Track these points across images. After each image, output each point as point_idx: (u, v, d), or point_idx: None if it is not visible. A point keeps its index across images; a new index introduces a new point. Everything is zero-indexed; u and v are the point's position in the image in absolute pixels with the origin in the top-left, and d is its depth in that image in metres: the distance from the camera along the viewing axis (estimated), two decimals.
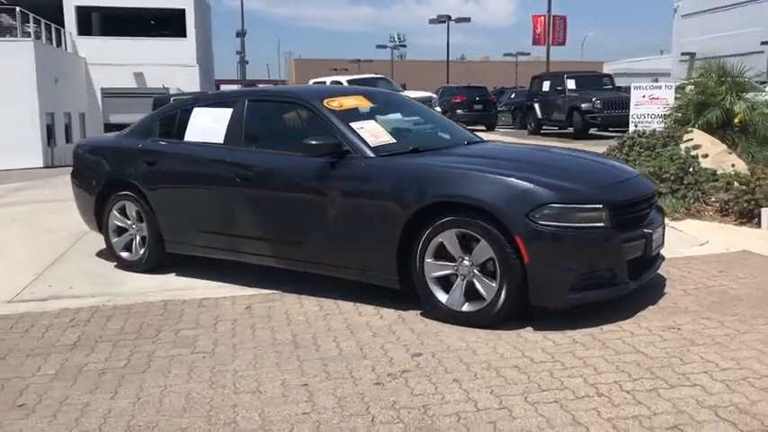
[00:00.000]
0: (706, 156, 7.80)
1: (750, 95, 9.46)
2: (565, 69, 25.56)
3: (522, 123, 22.32)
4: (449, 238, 4.14)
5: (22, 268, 6.06)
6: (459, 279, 4.18)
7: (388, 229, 4.31)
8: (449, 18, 38.11)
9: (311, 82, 19.87)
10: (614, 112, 17.80)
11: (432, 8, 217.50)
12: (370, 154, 4.53)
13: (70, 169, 6.50)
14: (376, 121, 4.89)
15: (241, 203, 4.98)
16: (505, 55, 59.36)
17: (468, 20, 40.01)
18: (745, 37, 41.98)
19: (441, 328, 4.12)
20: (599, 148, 9.37)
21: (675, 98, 10.27)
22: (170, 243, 5.48)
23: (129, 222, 5.72)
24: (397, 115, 5.28)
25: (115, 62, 33.74)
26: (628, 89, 20.04)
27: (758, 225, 6.51)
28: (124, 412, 3.16)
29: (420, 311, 4.41)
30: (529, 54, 55.79)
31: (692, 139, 8.57)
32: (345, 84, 17.72)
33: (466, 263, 4.13)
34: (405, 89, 19.35)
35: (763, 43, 41.58)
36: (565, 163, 4.70)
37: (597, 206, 3.99)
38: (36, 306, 4.91)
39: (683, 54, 49.10)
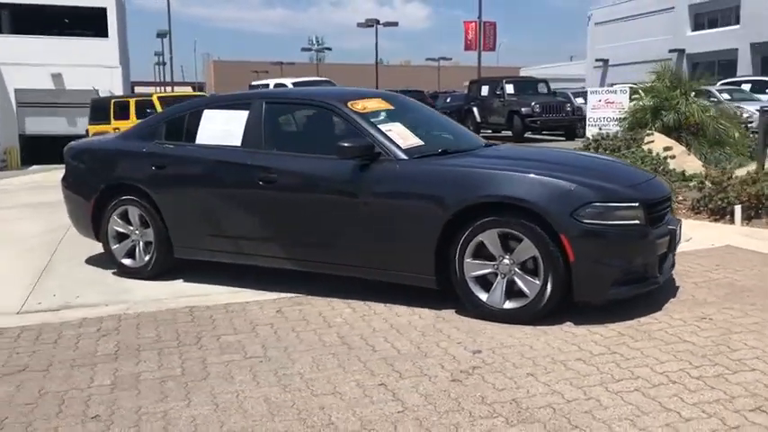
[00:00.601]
0: (673, 157, 8.24)
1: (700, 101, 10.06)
2: (486, 74, 26.32)
3: None
4: (490, 238, 4.25)
5: (12, 278, 5.80)
6: (499, 277, 4.29)
7: (426, 229, 4.38)
8: (377, 22, 38.40)
9: (251, 85, 19.60)
10: (552, 116, 18.47)
11: (347, 12, 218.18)
12: (403, 156, 4.58)
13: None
14: (401, 123, 4.94)
15: (264, 207, 4.93)
16: (428, 60, 60.35)
17: (395, 24, 40.47)
18: (655, 45, 44.31)
19: (484, 326, 4.22)
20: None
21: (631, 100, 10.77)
22: (180, 248, 5.36)
23: (132, 228, 5.54)
24: (415, 117, 5.34)
25: (30, 62, 32.16)
26: (563, 94, 20.87)
27: (731, 221, 6.93)
28: (210, 419, 3.11)
29: (455, 310, 4.50)
30: (451, 59, 56.90)
31: (652, 141, 9.03)
32: (291, 87, 17.60)
33: (506, 261, 4.25)
34: None
35: (671, 51, 44.04)
36: (592, 164, 4.90)
37: (634, 204, 4.19)
38: (51, 316, 4.71)
39: (596, 60, 51.44)
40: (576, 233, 4.03)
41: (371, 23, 38.26)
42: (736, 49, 37.33)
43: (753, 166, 9.13)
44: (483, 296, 4.32)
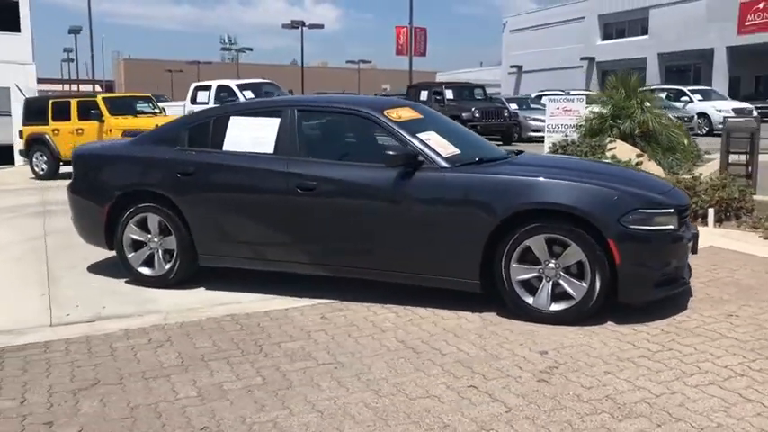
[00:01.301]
0: (641, 163, 8.75)
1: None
2: (404, 79, 26.72)
3: None
4: (536, 243, 4.45)
5: (18, 289, 5.60)
6: (544, 281, 4.50)
7: (473, 236, 4.54)
8: (302, 24, 38.22)
9: (193, 86, 19.19)
10: (491, 121, 19.03)
11: (258, 12, 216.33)
12: (445, 164, 4.73)
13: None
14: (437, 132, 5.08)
15: (301, 214, 4.95)
16: (348, 62, 60.58)
17: (321, 26, 40.42)
18: (567, 53, 46.27)
19: (532, 328, 4.42)
20: None
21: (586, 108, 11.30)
22: (205, 256, 5.31)
23: (150, 236, 5.44)
24: (442, 127, 5.47)
25: None
26: (498, 99, 21.52)
27: (704, 223, 7.45)
28: (324, 427, 3.16)
29: (497, 312, 4.69)
30: (370, 62, 57.35)
31: (615, 148, 9.54)
32: (235, 89, 17.35)
33: (551, 265, 4.47)
34: (292, 94, 19.30)
35: (582, 59, 46.04)
36: (622, 173, 5.21)
37: (670, 210, 4.51)
38: (88, 329, 4.58)
39: (511, 67, 53.13)
40: (622, 238, 4.29)
41: (297, 25, 38.06)
42: (645, 58, 39.37)
43: (702, 170, 9.81)
44: (529, 299, 4.52)
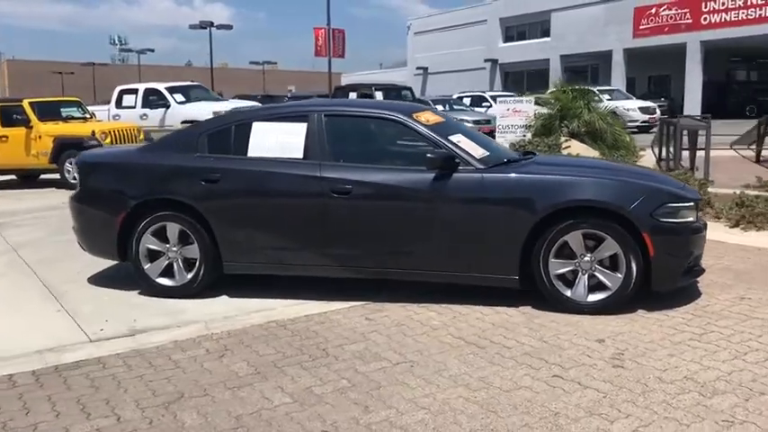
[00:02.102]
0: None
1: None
2: (308, 80, 26.76)
3: None
4: (574, 239, 4.70)
5: (27, 306, 5.33)
6: (580, 274, 4.75)
7: (513, 233, 4.73)
8: (211, 24, 37.41)
9: (118, 89, 18.45)
10: None
11: (144, 11, 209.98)
12: (480, 165, 4.90)
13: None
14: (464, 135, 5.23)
15: (335, 218, 4.99)
16: (252, 63, 59.78)
17: (230, 27, 39.65)
18: (471, 55, 47.58)
19: (573, 318, 4.65)
20: None
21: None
22: (231, 264, 5.24)
23: (168, 245, 5.30)
24: (461, 129, 5.63)
25: None
26: (423, 100, 21.91)
27: None
28: (441, 422, 3.24)
29: (531, 306, 4.90)
30: (276, 63, 56.90)
31: (569, 146, 10.03)
32: (165, 92, 16.87)
33: (587, 259, 4.73)
34: (222, 97, 18.94)
35: (486, 60, 47.45)
36: (641, 171, 5.54)
37: (692, 204, 4.87)
38: (132, 343, 4.44)
39: (417, 68, 54.03)
40: (655, 231, 4.60)
41: (205, 26, 37.22)
42: (548, 60, 41.04)
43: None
44: (567, 292, 4.76)
